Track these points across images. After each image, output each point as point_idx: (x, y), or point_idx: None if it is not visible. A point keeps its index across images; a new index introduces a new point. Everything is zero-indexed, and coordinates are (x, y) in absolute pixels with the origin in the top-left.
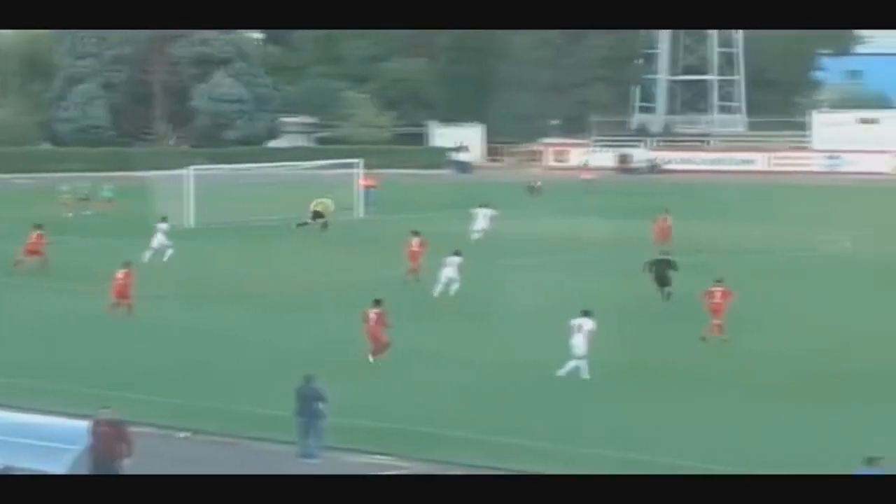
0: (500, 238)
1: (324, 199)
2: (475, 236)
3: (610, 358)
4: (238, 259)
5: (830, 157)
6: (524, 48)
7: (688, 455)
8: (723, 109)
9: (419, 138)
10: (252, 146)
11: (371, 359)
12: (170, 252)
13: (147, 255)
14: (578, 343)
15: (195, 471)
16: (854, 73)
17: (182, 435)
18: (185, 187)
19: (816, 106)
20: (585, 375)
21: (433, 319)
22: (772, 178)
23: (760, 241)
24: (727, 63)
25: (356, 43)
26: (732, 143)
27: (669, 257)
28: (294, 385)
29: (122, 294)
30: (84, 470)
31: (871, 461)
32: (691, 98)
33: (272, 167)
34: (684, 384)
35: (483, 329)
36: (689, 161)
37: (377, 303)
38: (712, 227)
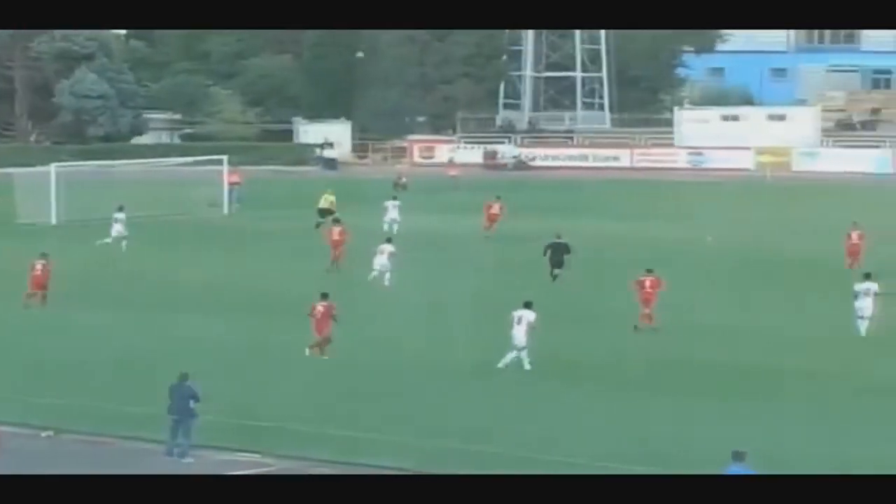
0: (365, 234)
1: (328, 195)
2: (391, 226)
3: (477, 355)
4: (102, 257)
5: (694, 154)
6: (390, 45)
7: (554, 451)
8: (588, 106)
9: (286, 135)
10: (116, 143)
11: (308, 352)
12: (125, 242)
13: (107, 241)
14: (518, 334)
15: (60, 470)
16: (716, 71)
17: (45, 434)
18: (48, 184)
19: (680, 103)
20: (527, 366)
21: (302, 317)
22: (637, 175)
23: (624, 237)
24: (592, 60)
25: (221, 39)
26: (597, 139)
27: (565, 241)
28: (160, 383)
29: (40, 285)
30: None
31: (737, 455)
32: (556, 95)
33: (137, 164)
34: (559, 380)
35: (349, 325)
36: (554, 157)
37: (324, 296)
38: (576, 223)
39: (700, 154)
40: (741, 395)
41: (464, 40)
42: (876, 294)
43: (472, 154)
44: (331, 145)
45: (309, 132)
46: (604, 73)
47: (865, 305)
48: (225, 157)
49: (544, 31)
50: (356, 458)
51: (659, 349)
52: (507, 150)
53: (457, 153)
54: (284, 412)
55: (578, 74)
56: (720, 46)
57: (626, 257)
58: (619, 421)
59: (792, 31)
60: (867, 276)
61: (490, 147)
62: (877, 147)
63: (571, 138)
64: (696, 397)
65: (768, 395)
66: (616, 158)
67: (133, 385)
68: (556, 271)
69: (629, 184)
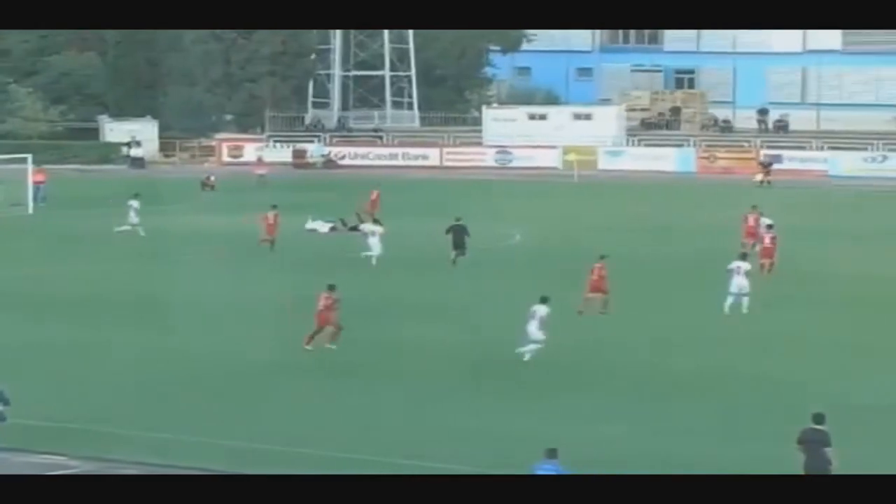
0: (172, 234)
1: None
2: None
3: (279, 355)
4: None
5: (501, 153)
6: (194, 42)
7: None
8: (397, 105)
9: (92, 133)
10: None
11: (307, 346)
12: (127, 228)
13: (124, 228)
14: (532, 328)
15: None
16: (522, 70)
17: None
18: None
19: (487, 102)
20: (526, 357)
21: (111, 317)
22: (446, 174)
23: (434, 235)
24: (400, 59)
25: (22, 36)
26: (407, 138)
27: (464, 224)
28: None
29: None
30: None
31: (550, 453)
32: (365, 93)
33: None
34: (387, 377)
35: (157, 326)
36: (364, 156)
37: (331, 288)
38: (387, 221)
39: (508, 153)
40: (562, 392)
41: (269, 38)
42: (747, 273)
43: (281, 153)
44: (138, 144)
45: (115, 130)
46: (412, 72)
47: (744, 283)
48: (29, 156)
49: (352, 30)
50: (164, 458)
51: (479, 349)
52: (315, 149)
53: (266, 152)
54: (90, 413)
55: (387, 73)
56: (526, 46)
57: (440, 255)
58: (440, 419)
59: (596, 31)
60: (743, 257)
61: (299, 146)
62: (679, 146)
63: (381, 137)
64: (522, 395)
65: (588, 390)
66: (425, 157)
67: None
68: (456, 253)
69: (438, 182)
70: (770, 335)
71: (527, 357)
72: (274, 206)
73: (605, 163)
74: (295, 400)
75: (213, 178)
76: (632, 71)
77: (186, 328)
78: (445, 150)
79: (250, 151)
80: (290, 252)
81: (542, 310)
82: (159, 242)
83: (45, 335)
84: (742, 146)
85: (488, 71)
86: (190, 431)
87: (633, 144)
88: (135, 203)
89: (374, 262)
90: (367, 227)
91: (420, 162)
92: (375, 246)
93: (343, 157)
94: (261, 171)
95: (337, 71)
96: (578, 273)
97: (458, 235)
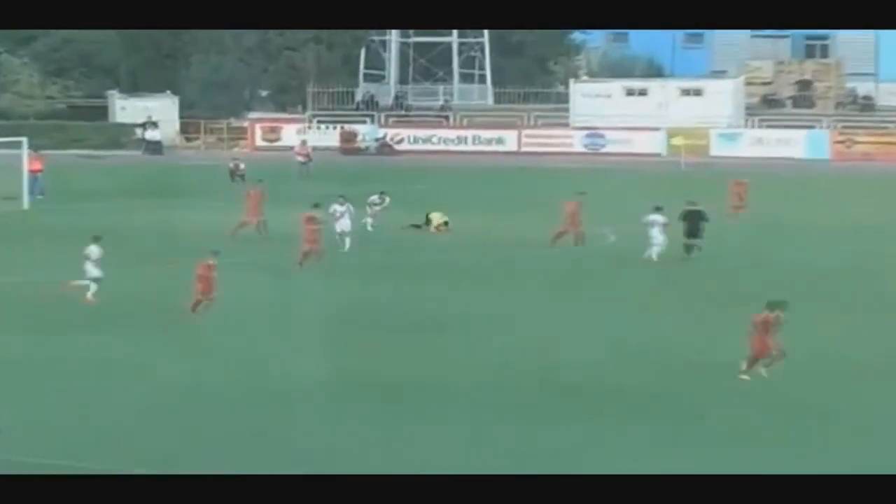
0: (195, 232)
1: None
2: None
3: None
4: None
5: (592, 136)
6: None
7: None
8: (465, 78)
9: (101, 112)
10: None
11: (764, 370)
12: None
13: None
14: None
15: None
16: (619, 36)
17: None
18: None
19: (575, 74)
20: None
21: (122, 331)
22: (525, 160)
23: (509, 234)
24: None
25: None
26: (478, 117)
27: (701, 209)
28: None
29: None
30: None
31: None
32: (428, 64)
33: None
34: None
35: (177, 342)
36: (426, 140)
37: (770, 307)
38: (456, 217)
39: (600, 136)
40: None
41: None
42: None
43: (326, 136)
44: (154, 125)
45: (127, 109)
46: (485, 39)
47: None
48: (24, 140)
49: None
50: None
51: (556, 368)
52: (368, 131)
53: (308, 135)
54: (104, 449)
55: (454, 40)
56: None
57: (509, 256)
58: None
59: None
60: None
61: (348, 127)
62: (810, 128)
63: (447, 117)
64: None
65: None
66: (500, 141)
67: None
68: (692, 241)
69: (516, 171)
70: None
71: None
72: (581, 193)
73: (718, 148)
74: (353, 426)
75: (243, 166)
76: (752, 37)
77: (210, 344)
78: (524, 132)
79: (289, 134)
80: (341, 256)
81: None
82: (180, 242)
83: (44, 352)
84: (886, 127)
85: (577, 37)
86: (231, 466)
87: (752, 126)
88: (339, 208)
89: (654, 256)
90: (652, 216)
91: (494, 147)
92: (657, 238)
93: (401, 141)
94: (302, 157)
95: (394, 37)
96: (684, 282)
97: (694, 222)
